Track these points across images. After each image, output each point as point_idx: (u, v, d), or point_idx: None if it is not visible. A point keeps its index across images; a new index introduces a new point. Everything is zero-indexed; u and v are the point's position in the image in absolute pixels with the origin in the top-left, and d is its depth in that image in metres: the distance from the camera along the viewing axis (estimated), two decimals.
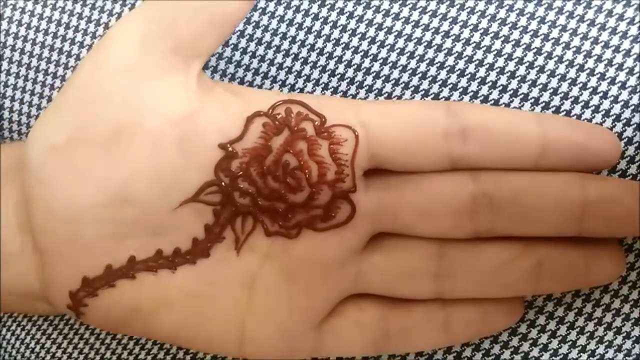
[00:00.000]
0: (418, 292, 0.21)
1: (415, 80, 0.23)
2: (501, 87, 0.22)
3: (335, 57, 0.23)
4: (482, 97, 0.22)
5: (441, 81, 0.23)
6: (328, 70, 0.23)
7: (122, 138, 0.20)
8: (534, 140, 0.20)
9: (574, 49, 0.22)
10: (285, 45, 0.24)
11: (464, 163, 0.21)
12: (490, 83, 0.22)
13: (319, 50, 0.23)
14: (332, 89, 0.23)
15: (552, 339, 0.23)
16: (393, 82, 0.23)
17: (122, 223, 0.21)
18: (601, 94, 0.22)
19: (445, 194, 0.21)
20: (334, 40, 0.23)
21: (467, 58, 0.22)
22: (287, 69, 0.24)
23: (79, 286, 0.21)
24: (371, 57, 0.23)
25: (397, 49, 0.23)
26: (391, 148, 0.20)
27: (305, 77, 0.23)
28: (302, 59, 0.23)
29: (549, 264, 0.21)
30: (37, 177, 0.21)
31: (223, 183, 0.21)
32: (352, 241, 0.21)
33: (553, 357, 0.23)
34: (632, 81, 0.22)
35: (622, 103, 0.22)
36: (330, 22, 0.23)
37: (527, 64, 0.22)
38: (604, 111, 0.22)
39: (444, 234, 0.21)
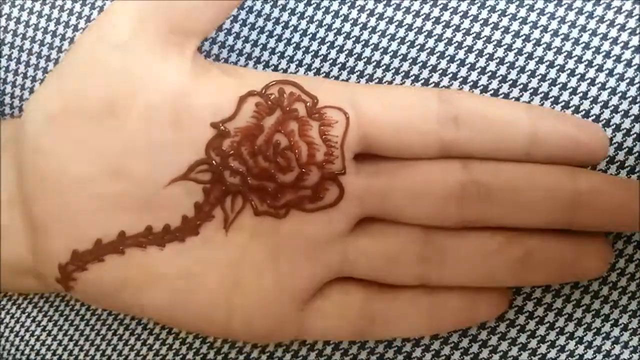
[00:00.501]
0: (404, 278, 0.22)
1: (405, 66, 0.23)
2: (500, 77, 0.23)
3: (327, 42, 0.23)
4: (476, 85, 0.23)
5: (431, 67, 0.23)
6: (320, 56, 0.24)
7: (116, 111, 0.20)
8: (524, 129, 0.20)
9: (573, 40, 0.22)
10: (278, 30, 0.24)
11: (454, 149, 0.21)
12: (491, 73, 0.23)
13: (311, 35, 0.24)
14: (324, 74, 0.24)
15: (531, 339, 0.23)
16: (384, 67, 0.23)
17: (114, 196, 0.21)
18: (599, 85, 0.22)
19: (434, 180, 0.21)
20: (327, 26, 0.23)
21: (457, 44, 0.23)
22: (279, 54, 0.24)
23: (69, 259, 0.21)
24: (363, 43, 0.23)
25: (388, 34, 0.23)
26: (382, 131, 0.21)
27: (298, 62, 0.24)
28: (295, 44, 0.24)
29: (536, 254, 0.21)
30: (32, 145, 0.21)
31: (214, 162, 0.21)
32: (339, 223, 0.21)
33: (532, 357, 0.23)
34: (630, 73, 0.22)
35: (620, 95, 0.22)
36: (322, 7, 0.24)
37: (526, 55, 0.22)
38: (602, 102, 0.22)
39: (432, 221, 0.21)
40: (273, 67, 0.24)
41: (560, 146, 0.21)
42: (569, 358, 0.23)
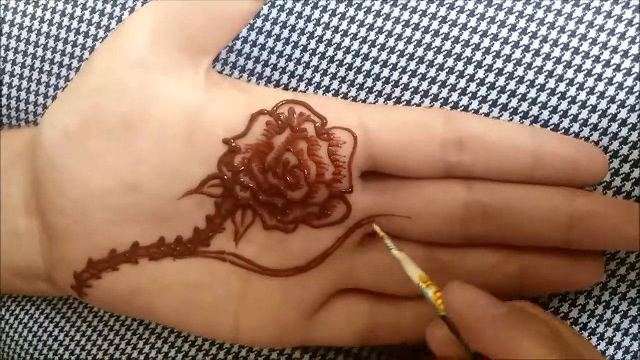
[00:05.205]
0: (406, 291, 0.22)
1: (415, 82, 0.23)
2: (499, 88, 0.23)
3: (343, 48, 0.24)
4: (486, 100, 0.23)
5: (440, 82, 0.23)
6: (330, 74, 0.24)
7: (132, 127, 0.21)
8: (527, 153, 0.21)
9: (582, 53, 0.23)
10: (295, 37, 0.24)
11: (459, 171, 0.21)
12: (500, 88, 0.23)
13: (327, 41, 0.24)
14: (340, 78, 0.24)
15: None
16: (393, 83, 0.23)
17: (128, 209, 0.21)
18: (600, 112, 0.22)
19: (438, 200, 0.21)
20: (342, 33, 0.24)
21: (465, 59, 0.23)
22: (296, 61, 0.24)
23: (84, 268, 0.22)
24: (372, 60, 0.24)
25: (397, 51, 0.23)
26: (389, 151, 0.21)
27: (314, 67, 0.24)
28: (311, 51, 0.24)
29: (532, 270, 0.22)
30: (49, 160, 0.21)
31: (225, 177, 0.21)
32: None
33: None
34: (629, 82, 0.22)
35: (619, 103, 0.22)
36: (338, 13, 0.24)
37: (535, 69, 0.23)
38: (601, 111, 0.22)
39: (435, 239, 0.22)
40: (290, 73, 0.24)
41: (562, 169, 0.21)
42: None
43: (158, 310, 0.23)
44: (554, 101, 0.22)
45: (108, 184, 0.21)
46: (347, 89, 0.24)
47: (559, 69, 0.22)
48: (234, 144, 0.21)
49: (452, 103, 0.23)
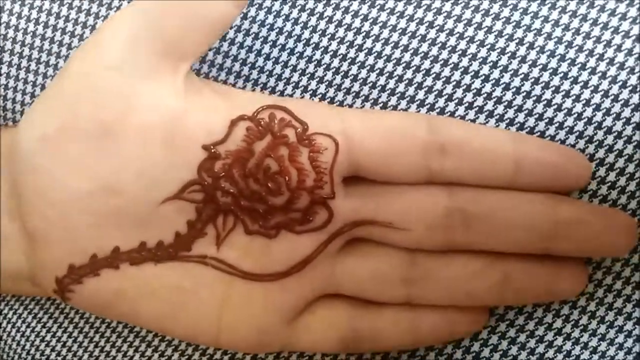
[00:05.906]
0: (388, 297, 0.22)
1: (401, 87, 0.23)
2: (485, 95, 0.23)
3: (330, 51, 0.24)
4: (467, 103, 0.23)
5: (427, 88, 0.23)
6: (323, 64, 0.24)
7: (110, 132, 0.21)
8: (509, 159, 0.21)
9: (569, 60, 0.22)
10: (282, 40, 0.24)
11: (441, 177, 0.21)
12: (496, 99, 0.23)
13: (314, 45, 0.24)
14: (327, 82, 0.24)
15: (512, 346, 0.24)
16: (379, 88, 0.23)
17: (108, 214, 0.21)
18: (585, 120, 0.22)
19: (420, 206, 0.21)
20: (329, 36, 0.24)
21: (452, 65, 0.23)
22: (282, 63, 0.24)
23: (65, 273, 0.22)
24: (368, 68, 0.23)
25: (384, 55, 0.23)
26: (371, 158, 0.21)
27: (301, 71, 0.24)
28: (298, 54, 0.24)
29: (514, 277, 0.22)
30: (28, 164, 0.21)
31: (205, 182, 0.21)
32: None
33: None
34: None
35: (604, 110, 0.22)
36: (325, 16, 0.24)
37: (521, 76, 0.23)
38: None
39: (417, 245, 0.22)
40: (277, 75, 0.24)
41: (544, 174, 0.21)
42: None
43: (141, 314, 0.22)
44: (539, 108, 0.22)
45: (88, 187, 0.21)
46: (334, 92, 0.24)
47: (545, 76, 0.22)
48: (213, 150, 0.21)
49: (439, 109, 0.23)
